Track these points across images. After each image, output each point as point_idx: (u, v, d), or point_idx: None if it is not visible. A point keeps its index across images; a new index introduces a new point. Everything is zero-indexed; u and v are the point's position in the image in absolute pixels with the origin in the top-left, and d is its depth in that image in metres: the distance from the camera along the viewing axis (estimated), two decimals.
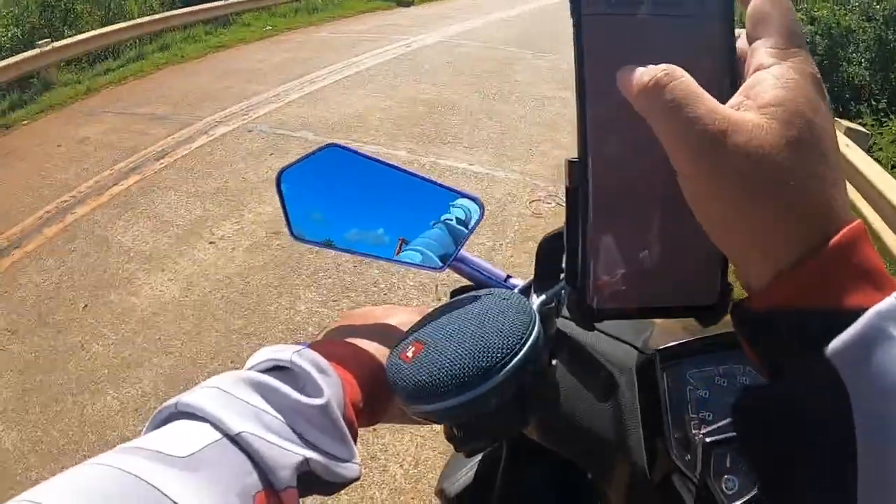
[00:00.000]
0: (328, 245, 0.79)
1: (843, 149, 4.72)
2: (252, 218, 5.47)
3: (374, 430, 3.19)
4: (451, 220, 0.80)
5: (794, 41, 0.41)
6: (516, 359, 0.57)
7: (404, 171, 0.76)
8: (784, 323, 0.38)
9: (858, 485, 0.34)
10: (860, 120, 7.07)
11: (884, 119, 7.44)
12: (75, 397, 3.68)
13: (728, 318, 0.45)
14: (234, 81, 9.64)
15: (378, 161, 0.75)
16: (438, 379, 0.57)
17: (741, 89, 0.41)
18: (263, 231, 5.22)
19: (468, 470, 1.09)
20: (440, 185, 0.78)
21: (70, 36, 11.39)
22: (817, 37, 9.37)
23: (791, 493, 0.38)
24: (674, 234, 0.45)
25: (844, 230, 0.38)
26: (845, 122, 5.24)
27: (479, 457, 1.08)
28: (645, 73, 0.40)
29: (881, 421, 0.34)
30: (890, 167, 5.82)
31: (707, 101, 0.39)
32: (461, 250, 0.80)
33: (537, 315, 0.61)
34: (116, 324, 4.29)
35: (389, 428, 3.21)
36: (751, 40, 0.42)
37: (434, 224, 0.80)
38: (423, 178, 0.77)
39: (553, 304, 0.67)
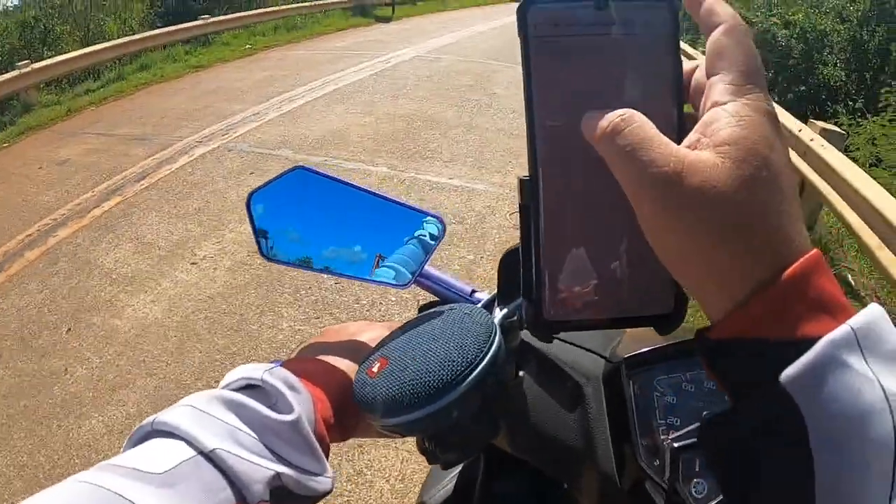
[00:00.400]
0: (304, 265, 0.80)
1: (818, 150, 4.73)
2: (233, 237, 5.45)
3: (360, 446, 3.19)
4: (425, 235, 0.81)
5: (751, 78, 0.41)
6: (476, 371, 0.58)
7: (368, 191, 0.77)
8: (741, 352, 0.40)
9: (816, 497, 0.36)
10: (836, 120, 7.13)
11: (860, 119, 7.51)
12: (60, 421, 3.63)
13: (692, 324, 0.46)
14: (214, 101, 9.63)
15: (343, 182, 0.76)
16: (401, 393, 0.58)
17: (697, 126, 0.42)
18: (245, 250, 5.20)
19: (448, 482, 1.10)
20: (402, 205, 0.79)
21: (50, 57, 11.36)
22: (792, 40, 9.46)
23: None
24: (627, 245, 0.46)
25: (800, 261, 0.39)
26: (820, 124, 5.25)
27: (458, 469, 1.09)
28: (603, 119, 0.41)
29: (836, 443, 0.36)
30: (867, 166, 5.88)
31: (662, 144, 0.40)
32: (426, 266, 0.81)
33: (498, 328, 0.62)
34: (100, 347, 4.26)
35: (375, 444, 3.20)
36: (709, 74, 0.43)
37: (408, 240, 0.81)
38: (385, 199, 0.78)
39: (515, 318, 0.68)
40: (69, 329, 4.49)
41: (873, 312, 0.38)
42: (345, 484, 3.03)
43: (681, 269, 0.42)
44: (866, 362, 0.36)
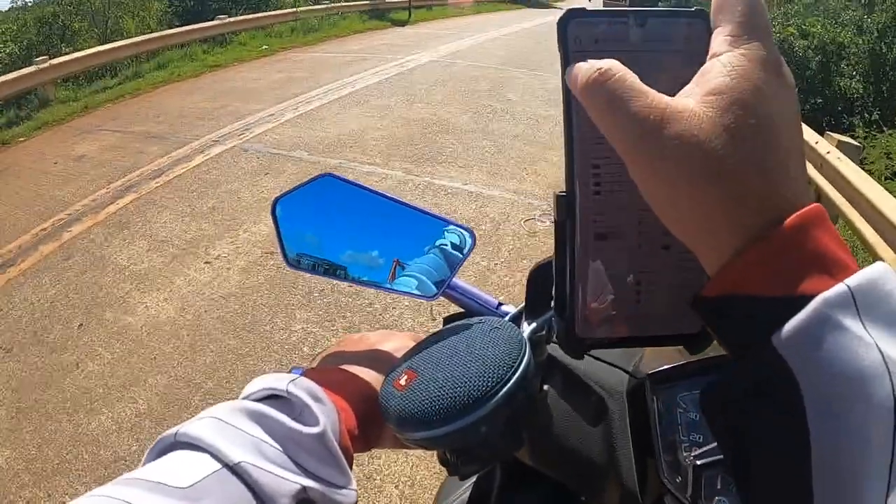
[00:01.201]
0: (329, 273, 0.79)
1: (835, 162, 4.73)
2: (247, 237, 5.47)
3: (370, 451, 3.18)
4: (447, 244, 0.81)
5: (749, 29, 0.41)
6: (506, 388, 0.58)
7: (397, 200, 0.77)
8: (734, 310, 0.38)
9: (813, 467, 0.34)
10: (852, 133, 7.09)
11: (876, 132, 7.47)
12: (70, 416, 3.65)
13: (716, 343, 0.46)
14: (231, 100, 9.68)
15: (371, 191, 0.76)
16: (429, 408, 0.58)
17: (694, 78, 0.41)
18: (259, 251, 5.22)
19: (462, 492, 1.10)
20: (431, 215, 0.79)
21: (67, 53, 11.44)
22: (810, 52, 9.43)
23: (752, 481, 0.38)
24: (659, 264, 0.46)
25: (797, 214, 0.37)
26: (837, 136, 5.24)
27: (473, 479, 1.09)
28: (587, 68, 0.41)
29: (832, 408, 0.34)
30: (883, 179, 5.85)
31: (644, 94, 0.40)
32: (454, 278, 0.81)
33: (528, 343, 0.62)
34: (112, 343, 4.28)
35: (385, 450, 3.19)
36: (713, 29, 0.43)
37: (429, 249, 0.81)
38: (414, 208, 0.78)
39: (544, 332, 0.68)
40: (81, 324, 4.52)
41: (876, 270, 0.36)
42: None
43: (675, 223, 0.41)
44: (863, 325, 0.35)
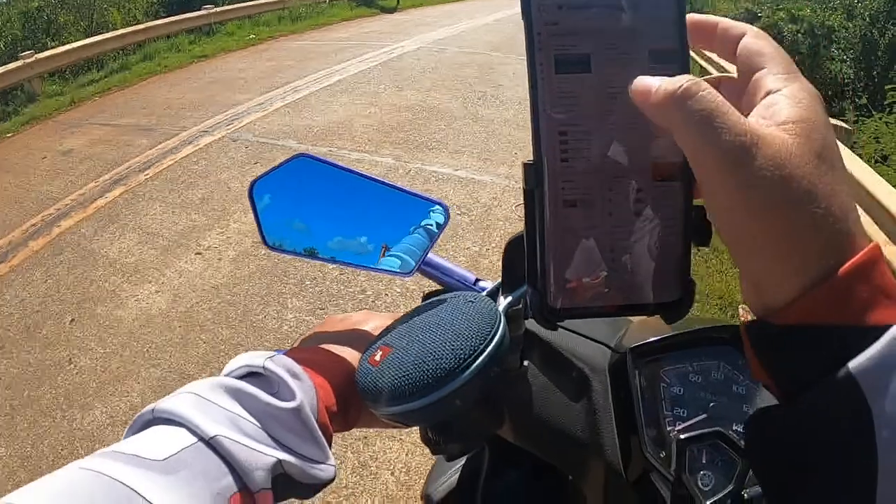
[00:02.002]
0: (310, 254, 0.79)
1: None
2: (237, 228, 5.45)
3: (364, 437, 3.19)
4: (431, 224, 0.80)
5: (794, 69, 0.42)
6: (478, 361, 0.57)
7: (372, 178, 0.76)
8: (806, 340, 0.38)
9: (877, 497, 0.34)
10: (843, 117, 7.10)
11: (864, 117, 7.48)
12: (64, 412, 3.64)
13: (699, 315, 0.45)
14: (218, 91, 9.63)
15: (347, 169, 0.75)
16: (402, 382, 0.58)
17: (755, 112, 0.41)
18: (249, 241, 5.20)
19: (452, 474, 1.10)
20: (405, 192, 0.78)
21: (53, 47, 11.35)
22: (799, 36, 9.43)
23: None
24: (634, 231, 0.45)
25: (867, 248, 0.38)
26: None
27: (462, 461, 1.09)
28: (670, 83, 0.40)
29: None
30: (873, 162, 5.86)
31: (735, 112, 0.38)
32: (431, 255, 0.80)
33: (502, 316, 0.62)
34: (104, 337, 4.27)
35: (379, 435, 3.20)
36: (749, 73, 0.43)
37: (413, 230, 0.81)
38: (389, 185, 0.77)
39: (520, 306, 0.67)
40: (73, 319, 4.51)
41: None
42: (350, 476, 3.03)
43: (749, 251, 0.40)
44: None
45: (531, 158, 0.45)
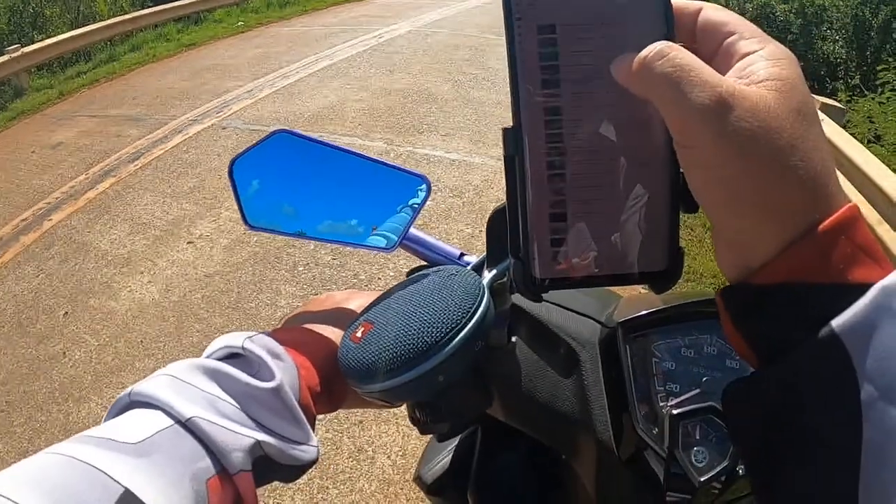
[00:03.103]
0: (298, 236, 0.78)
1: None
2: (229, 216, 5.42)
3: (360, 422, 3.19)
4: (419, 202, 0.79)
5: (763, 34, 0.42)
6: (461, 334, 0.56)
7: (352, 153, 0.75)
8: (787, 299, 0.38)
9: (861, 461, 0.34)
10: (835, 97, 7.11)
11: (857, 97, 7.49)
12: (60, 406, 3.64)
13: (688, 289, 0.44)
14: (208, 79, 9.56)
15: (327, 144, 0.74)
16: (383, 358, 0.56)
17: (732, 72, 0.40)
18: (241, 228, 5.16)
19: (445, 455, 1.09)
20: (386, 165, 0.77)
21: (40, 40, 11.26)
22: (791, 15, 9.43)
23: (789, 477, 0.38)
24: (620, 199, 0.44)
25: (847, 206, 0.38)
26: (821, 99, 5.26)
27: (455, 442, 1.08)
28: (644, 50, 0.40)
29: (888, 398, 0.34)
30: (866, 142, 5.87)
31: (709, 69, 0.39)
32: (415, 231, 0.79)
33: (486, 290, 0.60)
34: (98, 329, 4.26)
35: (376, 419, 3.20)
36: (713, 42, 0.43)
37: (401, 208, 0.80)
38: (368, 159, 0.76)
39: (506, 279, 0.66)
40: (66, 313, 4.49)
41: None
42: (346, 460, 3.04)
43: (728, 209, 0.39)
44: None
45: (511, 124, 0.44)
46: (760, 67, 0.39)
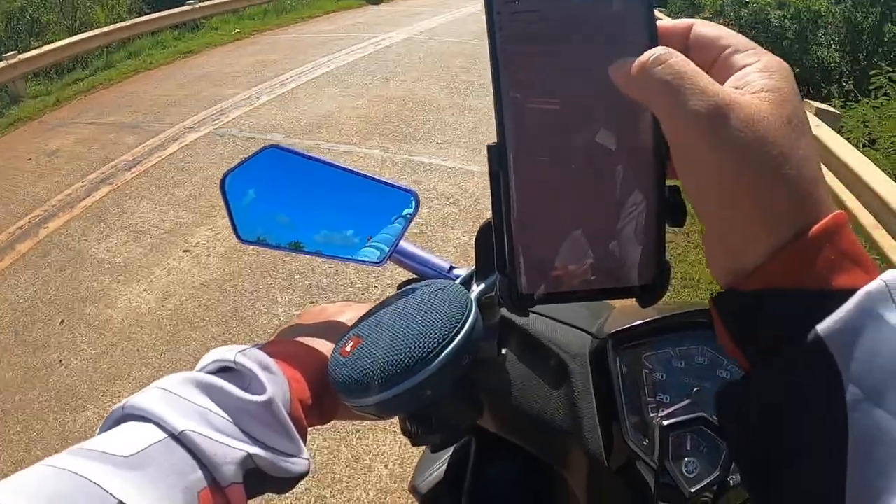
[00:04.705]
0: (294, 248, 0.78)
1: (814, 129, 4.73)
2: (225, 223, 5.32)
3: (357, 431, 3.19)
4: (409, 216, 0.80)
5: (758, 46, 0.43)
6: (448, 349, 0.56)
7: (341, 167, 0.75)
8: (775, 304, 0.38)
9: (848, 461, 0.35)
10: (831, 102, 7.14)
11: (851, 102, 7.51)
12: (56, 414, 3.63)
13: (677, 300, 0.44)
14: (204, 86, 9.57)
15: (316, 159, 0.74)
16: (372, 372, 0.57)
17: (728, 83, 0.41)
18: None
19: (439, 465, 1.09)
20: (375, 180, 0.77)
21: (37, 47, 11.25)
22: (786, 21, 9.46)
23: (778, 476, 0.38)
24: (605, 214, 0.44)
25: (835, 213, 0.38)
26: (816, 104, 5.28)
27: (450, 452, 1.08)
28: (643, 55, 0.40)
29: (872, 400, 0.35)
30: (861, 147, 5.89)
31: (707, 77, 0.39)
32: (405, 244, 0.80)
33: (474, 304, 0.61)
34: (94, 338, 4.24)
35: (373, 428, 3.20)
36: (708, 57, 0.43)
37: (395, 219, 0.80)
38: (357, 174, 0.76)
39: (494, 293, 0.66)
40: (63, 321, 4.48)
41: None
42: (343, 469, 3.03)
43: (720, 214, 0.40)
44: None
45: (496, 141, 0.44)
46: (756, 79, 0.40)
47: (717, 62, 0.43)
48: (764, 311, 0.39)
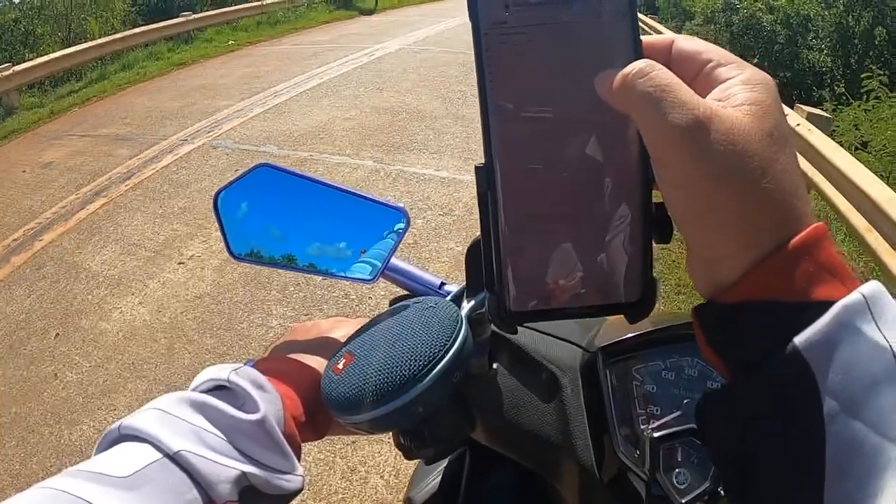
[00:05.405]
0: (287, 262, 0.79)
1: (805, 134, 4.76)
2: (220, 236, 5.38)
3: (353, 442, 3.18)
4: (399, 232, 0.80)
5: (740, 60, 0.43)
6: (439, 366, 0.57)
7: (332, 185, 0.76)
8: (754, 316, 0.39)
9: (826, 473, 0.35)
10: (822, 105, 7.17)
11: (842, 106, 7.54)
12: (52, 428, 3.61)
13: (667, 312, 0.45)
14: (198, 98, 9.58)
15: (308, 178, 0.75)
16: (364, 390, 0.58)
17: (710, 96, 0.41)
18: None
19: (434, 478, 1.09)
20: (365, 198, 0.78)
21: (31, 59, 11.26)
22: (777, 26, 9.51)
23: (758, 487, 0.39)
24: (592, 232, 0.45)
25: (814, 225, 0.39)
26: (807, 108, 5.29)
27: (443, 465, 1.08)
28: (626, 67, 0.41)
29: (849, 411, 0.35)
30: (853, 150, 5.91)
31: (689, 90, 0.40)
32: (395, 260, 0.80)
33: (464, 321, 0.61)
34: (89, 351, 4.23)
35: (368, 440, 3.19)
36: (690, 71, 0.43)
37: (387, 234, 0.80)
38: (349, 192, 0.77)
39: (484, 309, 0.67)
40: (58, 334, 4.46)
41: (877, 284, 0.38)
42: (339, 481, 3.02)
43: (700, 226, 0.40)
44: (879, 329, 0.36)
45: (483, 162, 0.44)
46: (737, 91, 0.40)
47: (699, 76, 0.43)
48: (743, 324, 0.39)
